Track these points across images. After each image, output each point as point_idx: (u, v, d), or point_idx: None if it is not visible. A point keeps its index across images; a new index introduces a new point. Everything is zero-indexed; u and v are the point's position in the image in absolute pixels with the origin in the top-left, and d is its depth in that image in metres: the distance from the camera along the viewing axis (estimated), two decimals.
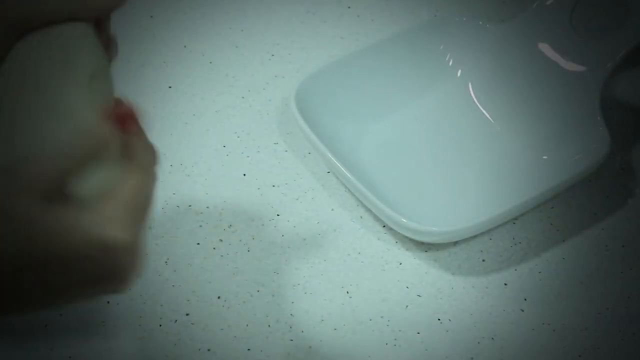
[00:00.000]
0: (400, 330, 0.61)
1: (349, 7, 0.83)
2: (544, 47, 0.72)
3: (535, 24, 0.73)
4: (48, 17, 0.44)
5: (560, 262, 0.66)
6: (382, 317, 0.62)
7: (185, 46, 0.79)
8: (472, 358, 0.60)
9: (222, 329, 0.61)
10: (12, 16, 0.44)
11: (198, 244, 0.65)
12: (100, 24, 0.48)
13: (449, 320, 0.62)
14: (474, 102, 0.75)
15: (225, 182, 0.69)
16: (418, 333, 0.61)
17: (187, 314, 0.61)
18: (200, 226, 0.66)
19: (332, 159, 0.65)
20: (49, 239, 0.40)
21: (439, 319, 0.62)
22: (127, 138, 0.43)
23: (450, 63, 0.75)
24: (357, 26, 0.82)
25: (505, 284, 0.65)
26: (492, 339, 0.61)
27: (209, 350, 0.59)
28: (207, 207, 0.67)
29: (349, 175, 0.64)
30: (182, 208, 0.67)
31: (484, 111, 0.74)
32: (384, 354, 0.60)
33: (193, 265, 0.64)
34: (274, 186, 0.69)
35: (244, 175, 0.70)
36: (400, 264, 0.65)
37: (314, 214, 0.68)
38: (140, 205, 0.43)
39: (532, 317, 0.63)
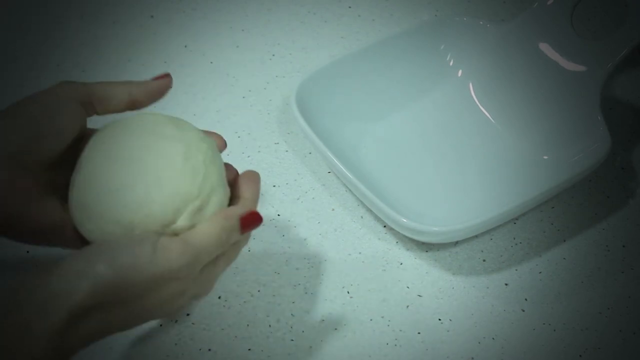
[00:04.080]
0: (400, 330, 0.61)
1: (349, 7, 0.84)
2: (544, 47, 0.72)
3: (535, 24, 0.73)
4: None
5: (561, 262, 0.66)
6: (382, 317, 0.62)
7: (186, 46, 0.79)
8: (472, 358, 0.60)
9: (222, 329, 0.61)
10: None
11: None
12: None
13: (450, 320, 0.62)
14: (475, 101, 0.75)
15: None
16: (419, 333, 0.61)
17: (188, 314, 0.61)
18: None
19: (333, 158, 0.65)
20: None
21: (439, 319, 0.62)
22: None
23: (451, 63, 0.75)
24: (358, 26, 0.82)
25: (506, 284, 0.65)
26: (493, 339, 0.61)
27: (209, 350, 0.59)
28: None
29: (350, 175, 0.64)
30: None
31: (484, 111, 0.74)
32: (385, 354, 0.60)
33: None
34: (274, 186, 0.70)
35: None
36: (401, 264, 0.65)
37: (315, 213, 0.68)
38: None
39: (533, 317, 0.63)
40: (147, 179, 0.50)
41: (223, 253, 0.52)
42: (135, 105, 0.54)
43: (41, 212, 0.51)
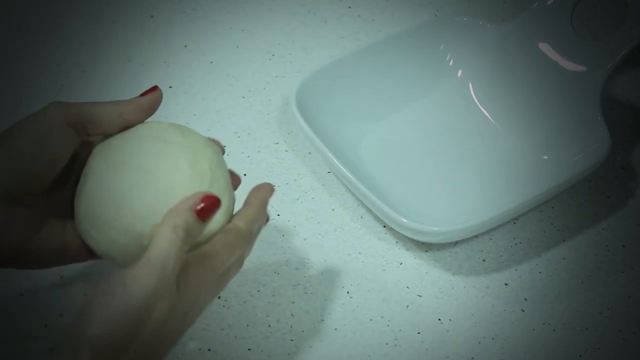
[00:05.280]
0: (400, 330, 0.61)
1: (349, 7, 0.84)
2: (544, 47, 0.72)
3: (535, 24, 0.73)
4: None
5: (561, 262, 0.66)
6: (382, 317, 0.62)
7: (185, 46, 0.79)
8: (472, 358, 0.60)
9: (222, 329, 0.61)
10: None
11: None
12: None
13: (450, 320, 0.62)
14: (475, 101, 0.75)
15: None
16: (418, 333, 0.61)
17: None
18: None
19: (333, 158, 0.65)
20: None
21: (439, 319, 0.62)
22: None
23: (451, 63, 0.75)
24: (358, 26, 0.82)
25: (506, 284, 0.65)
26: (493, 339, 0.61)
27: (209, 350, 0.59)
28: None
29: (350, 175, 0.64)
30: None
31: (484, 111, 0.74)
32: (384, 354, 0.60)
33: None
34: (274, 186, 0.69)
35: (245, 175, 0.69)
36: (401, 264, 0.65)
37: (315, 214, 0.68)
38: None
39: (533, 317, 0.63)
40: (154, 187, 0.50)
41: (204, 256, 0.50)
42: (128, 124, 0.53)
43: (43, 239, 0.51)
